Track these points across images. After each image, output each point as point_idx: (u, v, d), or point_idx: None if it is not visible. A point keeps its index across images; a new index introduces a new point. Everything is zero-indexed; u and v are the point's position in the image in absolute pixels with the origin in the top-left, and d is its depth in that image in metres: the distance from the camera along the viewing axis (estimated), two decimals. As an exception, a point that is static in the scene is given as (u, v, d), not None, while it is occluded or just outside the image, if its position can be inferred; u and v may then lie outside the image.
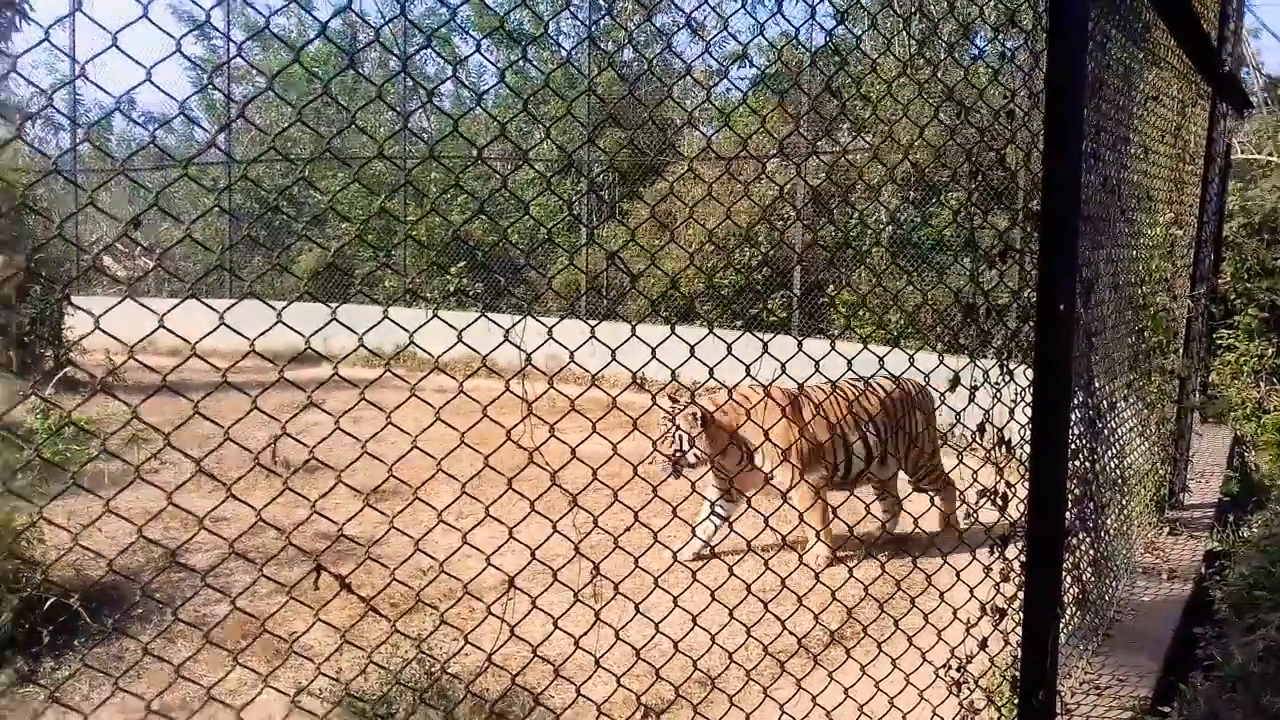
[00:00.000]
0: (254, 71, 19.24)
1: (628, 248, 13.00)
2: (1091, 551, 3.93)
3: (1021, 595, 2.85)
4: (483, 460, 2.45)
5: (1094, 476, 3.86)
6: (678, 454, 6.53)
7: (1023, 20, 4.77)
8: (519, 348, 2.43)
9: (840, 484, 6.84)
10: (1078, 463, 3.51)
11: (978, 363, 3.40)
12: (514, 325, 2.48)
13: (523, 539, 2.66)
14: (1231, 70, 6.46)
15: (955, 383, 3.34)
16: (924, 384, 7.00)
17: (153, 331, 2.01)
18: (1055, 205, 2.62)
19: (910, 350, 3.44)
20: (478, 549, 2.59)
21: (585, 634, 2.91)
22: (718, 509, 6.82)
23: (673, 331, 2.81)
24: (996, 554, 3.31)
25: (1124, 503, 4.77)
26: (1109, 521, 4.32)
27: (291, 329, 2.20)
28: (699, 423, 6.55)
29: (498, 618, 2.76)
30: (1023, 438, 2.84)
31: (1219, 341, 10.70)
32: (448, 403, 2.40)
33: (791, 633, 3.48)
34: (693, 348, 2.87)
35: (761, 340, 3.12)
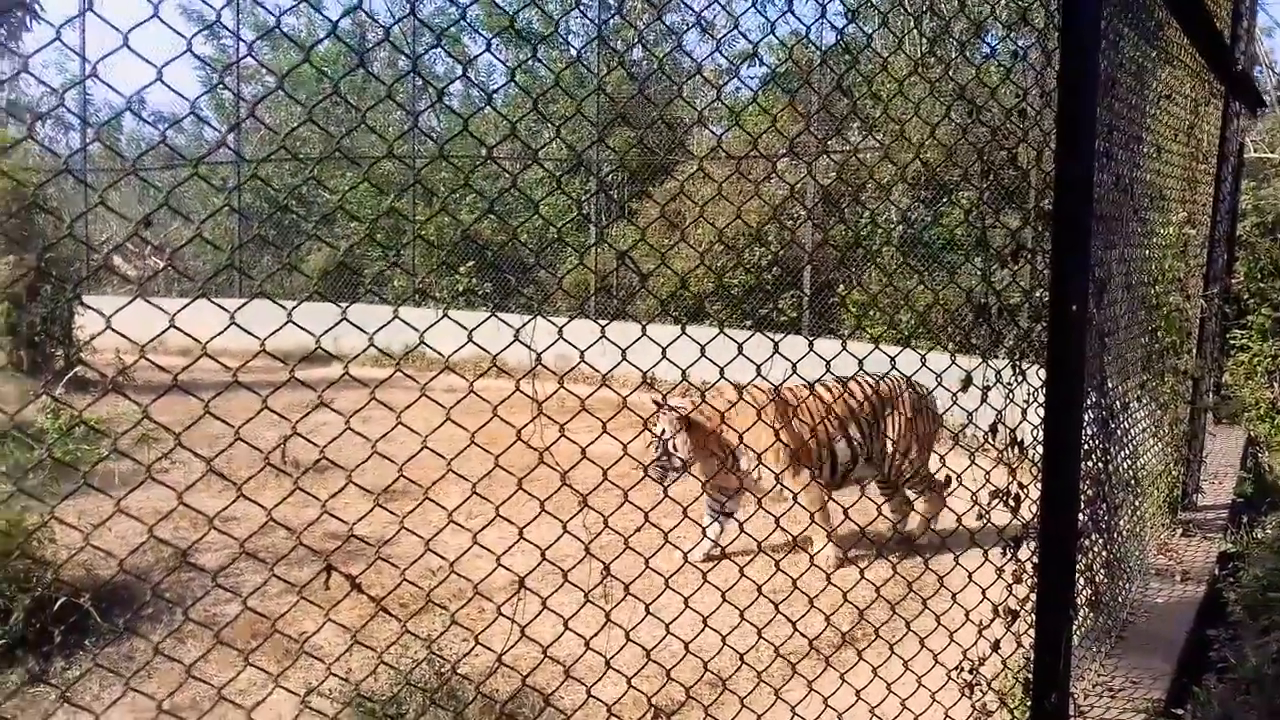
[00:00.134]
0: (263, 71, 19.29)
1: (637, 247, 13.00)
2: (1104, 553, 3.91)
3: (1034, 597, 2.83)
4: (493, 460, 2.44)
5: (1107, 477, 3.84)
6: (662, 458, 6.53)
7: (1035, 19, 4.75)
8: (529, 347, 2.42)
9: (826, 484, 6.82)
10: (1090, 463, 3.49)
11: (990, 363, 3.38)
12: (524, 325, 2.47)
13: (533, 539, 2.65)
14: (1245, 69, 6.42)
15: (967, 383, 3.32)
16: (910, 383, 6.97)
17: (164, 331, 2.00)
18: (1068, 204, 2.60)
19: (922, 350, 3.42)
20: (488, 549, 2.58)
21: (596, 635, 2.90)
22: (722, 508, 6.83)
23: (683, 331, 2.80)
24: (1009, 555, 3.29)
25: (1137, 504, 4.75)
26: (1122, 523, 4.30)
27: (302, 329, 2.19)
28: (681, 425, 6.54)
29: (508, 618, 2.76)
30: (1035, 438, 2.82)
31: (1232, 342, 10.65)
32: (458, 403, 2.39)
33: (803, 634, 3.47)
34: (703, 348, 2.86)
35: (772, 340, 3.10)
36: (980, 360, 3.40)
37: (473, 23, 18.35)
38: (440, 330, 2.48)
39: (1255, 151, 12.88)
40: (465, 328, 2.45)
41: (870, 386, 6.89)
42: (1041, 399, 2.72)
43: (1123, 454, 4.26)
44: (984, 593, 3.30)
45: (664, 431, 6.52)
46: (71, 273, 13.18)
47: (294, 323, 2.13)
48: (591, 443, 2.59)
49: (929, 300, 11.35)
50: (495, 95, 18.30)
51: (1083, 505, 3.21)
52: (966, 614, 3.31)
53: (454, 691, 4.06)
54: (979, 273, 10.68)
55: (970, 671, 3.36)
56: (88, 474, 1.94)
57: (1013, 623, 3.28)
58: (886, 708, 3.31)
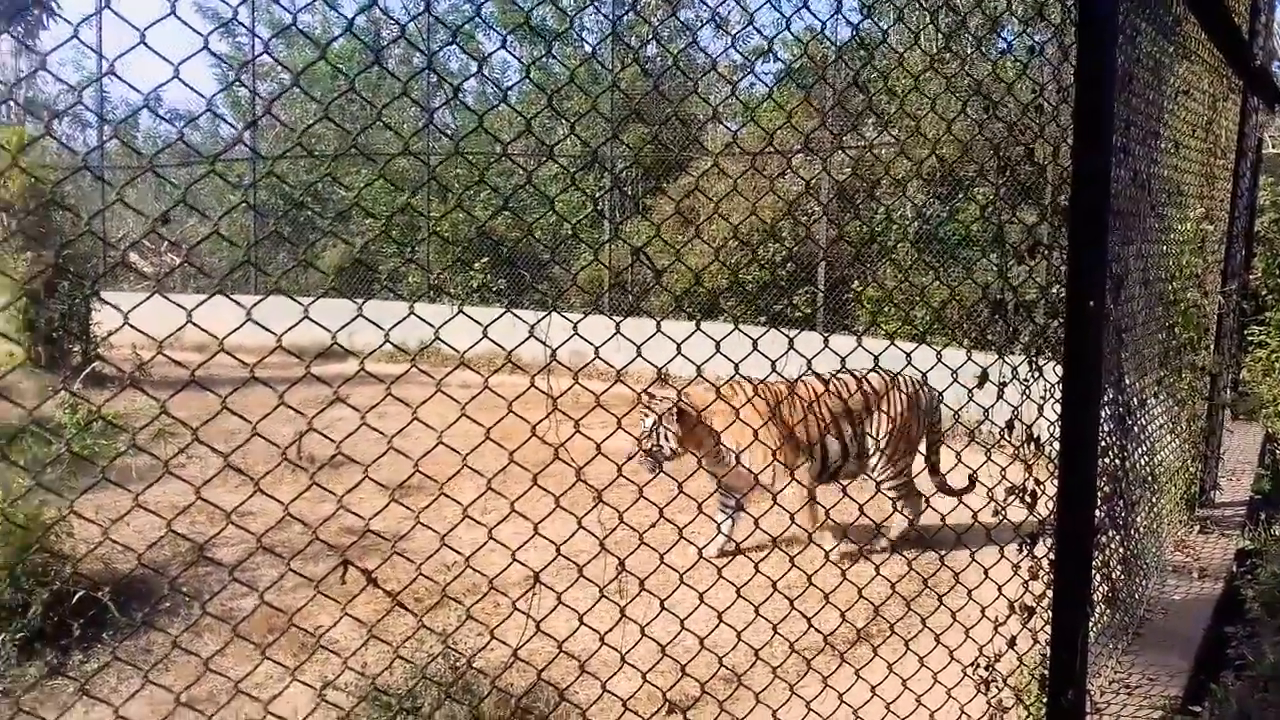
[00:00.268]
0: (279, 68, 19.34)
1: (651, 243, 12.99)
2: (1121, 549, 3.90)
3: (1050, 593, 2.82)
4: (508, 456, 2.44)
5: (1124, 474, 3.83)
6: (655, 448, 6.55)
7: (1051, 13, 4.72)
8: (544, 343, 2.43)
9: (817, 479, 6.81)
10: (1107, 460, 3.48)
11: (1006, 359, 3.37)
12: (539, 321, 2.48)
13: (548, 534, 2.66)
14: (1263, 65, 6.38)
15: (984, 379, 3.32)
16: (907, 380, 6.93)
17: (181, 327, 2.01)
18: (1085, 199, 2.59)
19: (937, 346, 3.41)
20: (503, 544, 2.59)
21: (610, 630, 2.90)
22: (737, 504, 6.83)
23: (698, 327, 2.80)
24: (1026, 551, 3.28)
25: (1154, 500, 4.73)
26: (1139, 519, 4.28)
27: (318, 324, 2.20)
28: (675, 416, 6.56)
29: (523, 613, 2.76)
30: (1052, 434, 2.81)
31: (1250, 338, 10.59)
32: (473, 398, 2.40)
33: (818, 630, 3.46)
34: (718, 344, 2.85)
35: (788, 336, 3.10)
36: (997, 356, 3.39)
37: (487, 19, 18.38)
38: (455, 326, 2.49)
39: (1274, 147, 12.79)
40: (480, 324, 2.45)
41: (864, 382, 6.86)
42: (1058, 395, 2.71)
43: (1140, 450, 4.25)
44: (1000, 589, 3.29)
45: (654, 421, 6.54)
46: (89, 269, 13.25)
47: (310, 319, 2.14)
48: (606, 438, 2.59)
49: (944, 296, 11.32)
50: (509, 92, 18.34)
51: (1100, 502, 3.20)
52: (982, 610, 3.30)
53: (469, 686, 4.08)
54: (995, 269, 10.64)
55: (986, 668, 3.35)
56: (106, 469, 1.95)
57: (1029, 619, 3.27)
58: (902, 704, 3.31)
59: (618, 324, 2.66)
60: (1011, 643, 3.33)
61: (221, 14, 20.84)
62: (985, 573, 3.33)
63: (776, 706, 3.23)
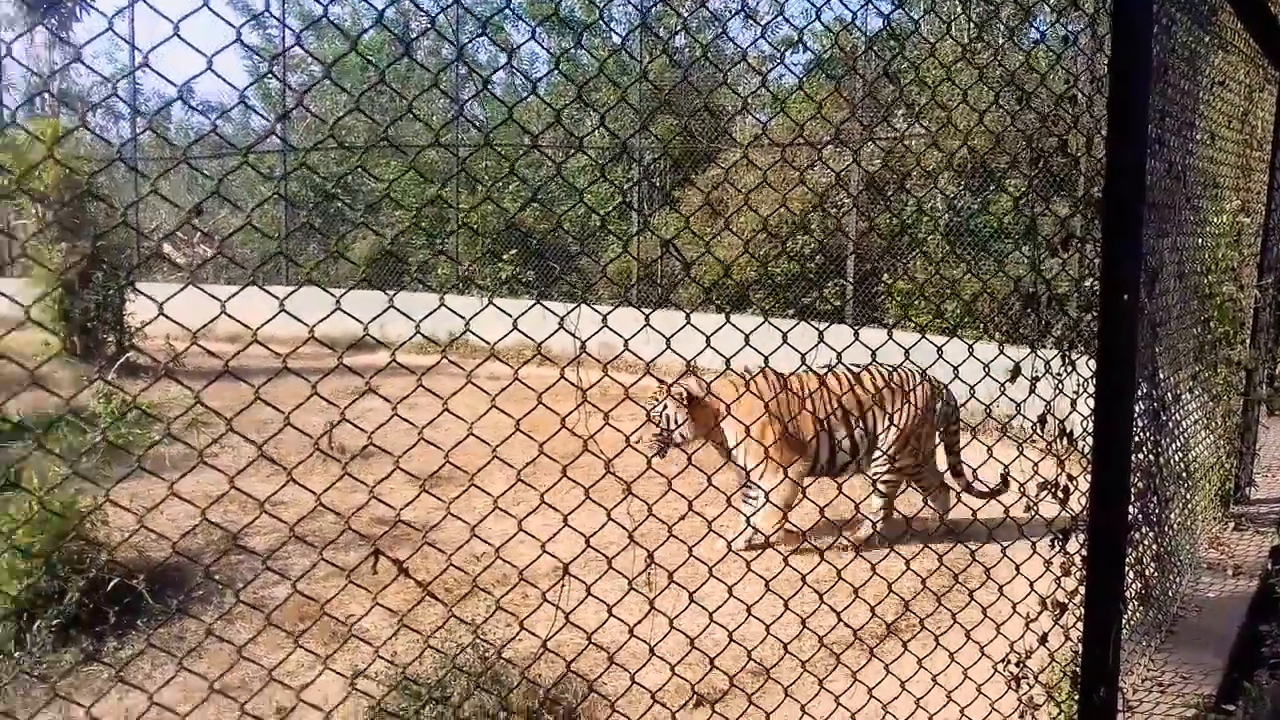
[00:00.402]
0: (309, 60, 19.45)
1: (680, 235, 12.97)
2: (1154, 546, 3.87)
3: (1082, 589, 2.80)
4: (537, 447, 2.45)
5: (1157, 470, 3.79)
6: (664, 432, 6.55)
7: (1085, 3, 4.67)
8: (574, 335, 2.43)
9: (825, 472, 6.80)
10: (1141, 456, 3.45)
11: (1039, 353, 3.35)
12: (569, 313, 2.48)
13: (577, 526, 2.66)
14: (1302, 54, 6.28)
15: (1016, 373, 3.29)
16: (924, 376, 6.88)
17: (215, 318, 2.03)
18: (1119, 191, 2.56)
19: (969, 340, 3.39)
20: (532, 536, 2.60)
21: (639, 622, 2.90)
22: (750, 494, 6.83)
23: (727, 320, 2.80)
24: (1058, 547, 3.26)
25: (1188, 497, 4.68)
26: (1173, 516, 4.24)
27: (351, 316, 2.22)
28: (686, 402, 6.55)
29: (553, 604, 2.77)
30: (1085, 429, 2.79)
31: (1286, 332, 10.44)
32: (503, 390, 2.40)
33: (847, 625, 3.45)
34: (747, 336, 2.85)
35: (817, 329, 3.09)
36: (1029, 350, 3.37)
37: (516, 10, 18.41)
38: (484, 318, 2.50)
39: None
40: (510, 315, 2.46)
41: (882, 378, 6.82)
42: (1091, 389, 2.69)
43: (1174, 446, 4.20)
44: (1032, 585, 3.27)
45: (666, 406, 6.55)
46: (122, 260, 13.37)
47: (343, 310, 2.15)
48: (636, 430, 2.59)
49: (975, 289, 11.24)
50: (538, 83, 18.35)
51: (1133, 498, 3.17)
52: (1014, 606, 3.28)
53: (498, 676, 4.09)
54: (1027, 261, 10.56)
55: (1017, 664, 3.33)
56: (141, 457, 1.97)
57: (1061, 615, 3.25)
58: (931, 700, 3.30)
59: (647, 316, 2.66)
60: (1043, 639, 3.31)
61: (251, 6, 20.97)
62: (1017, 568, 3.31)
63: (805, 701, 3.22)
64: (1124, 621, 3.15)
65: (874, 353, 3.11)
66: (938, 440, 7.01)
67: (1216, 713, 3.56)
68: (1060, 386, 3.28)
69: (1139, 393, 3.18)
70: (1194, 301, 4.65)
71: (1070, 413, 3.15)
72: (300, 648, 2.58)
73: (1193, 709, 3.55)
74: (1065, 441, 3.37)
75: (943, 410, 6.93)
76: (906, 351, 3.19)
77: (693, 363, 3.04)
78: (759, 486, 6.50)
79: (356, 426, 2.30)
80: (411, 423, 2.22)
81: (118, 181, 17.32)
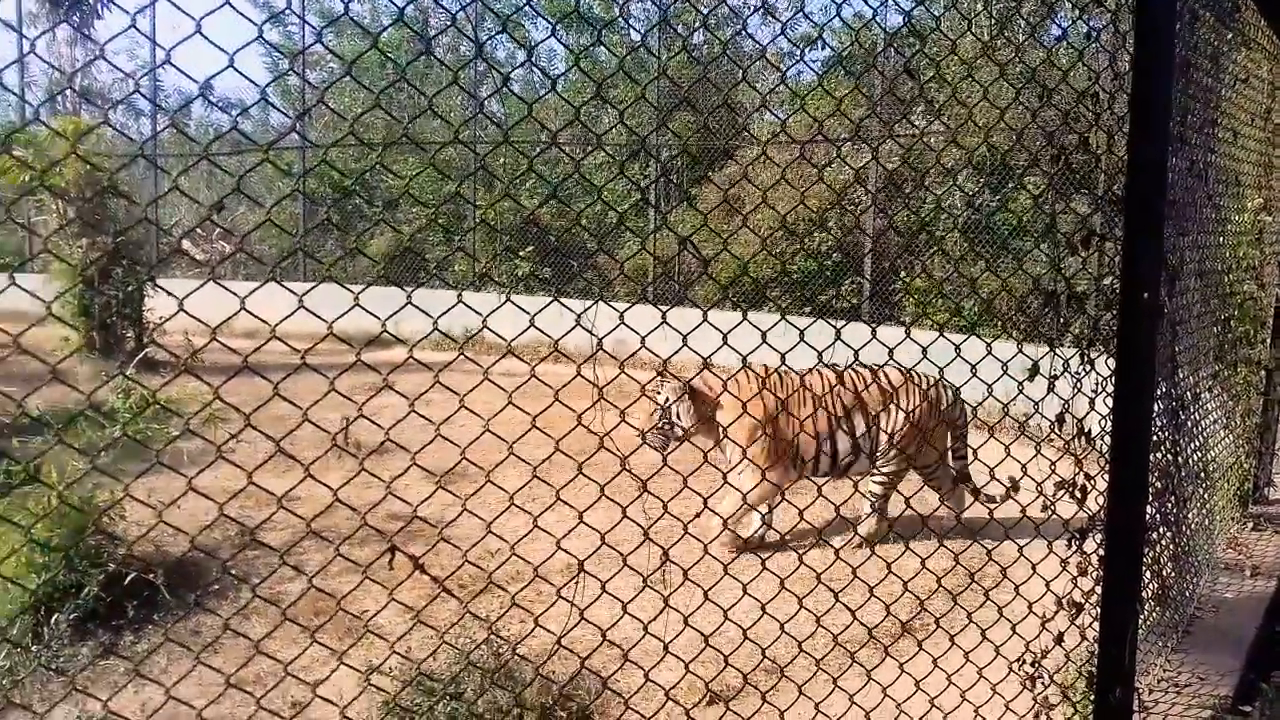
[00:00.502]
0: (327, 58, 19.50)
1: (697, 232, 12.96)
2: (1172, 546, 3.84)
3: (1099, 589, 2.79)
4: (553, 444, 2.45)
5: (1176, 469, 3.77)
6: (665, 425, 6.54)
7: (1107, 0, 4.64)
8: (591, 332, 2.43)
9: (828, 472, 6.78)
10: (1159, 455, 3.43)
11: (1058, 351, 3.33)
12: (586, 310, 2.48)
13: (592, 523, 2.66)
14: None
15: (1034, 371, 3.28)
16: (920, 380, 6.84)
17: (235, 314, 2.04)
18: (1140, 188, 2.54)
19: (987, 338, 3.38)
20: (547, 532, 2.60)
21: (654, 619, 2.90)
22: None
23: (745, 318, 2.79)
24: (1074, 547, 3.24)
25: (1206, 497, 4.65)
26: (1190, 516, 4.22)
27: (369, 312, 2.22)
28: (686, 396, 6.55)
29: (567, 601, 2.77)
30: (1103, 428, 2.77)
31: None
32: (519, 387, 2.41)
33: (862, 623, 3.45)
34: (764, 334, 2.84)
35: (835, 327, 3.08)
36: (1048, 349, 3.35)
37: (535, 7, 18.40)
38: (501, 314, 2.50)
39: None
40: (528, 312, 2.46)
41: (886, 377, 6.79)
42: (1110, 388, 2.67)
43: (1192, 446, 4.18)
44: (1048, 584, 3.26)
45: (666, 399, 6.53)
46: (141, 256, 13.43)
47: (361, 306, 2.15)
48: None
49: (994, 286, 11.19)
50: (550, 81, 18.36)
51: (1151, 498, 3.16)
52: (1029, 606, 3.27)
53: (512, 672, 4.10)
54: (1045, 259, 10.50)
55: (1032, 664, 3.32)
56: (160, 453, 1.98)
57: (1077, 615, 3.24)
58: (946, 699, 3.29)
59: (664, 313, 2.65)
60: (1058, 639, 3.30)
61: (272, 3, 21.04)
62: (1033, 567, 3.30)
63: (819, 699, 3.22)
64: (1140, 622, 3.14)
65: (891, 351, 3.10)
66: (948, 443, 6.99)
67: (1233, 714, 3.54)
68: (1079, 385, 3.26)
69: (1158, 392, 3.17)
70: (1214, 300, 4.62)
71: (1089, 412, 3.13)
72: (316, 643, 2.59)
73: (1209, 710, 3.53)
74: (1083, 440, 3.35)
75: (949, 412, 6.91)
76: (924, 350, 3.18)
77: (709, 360, 3.04)
78: (732, 486, 6.46)
79: (374, 423, 2.30)
80: (428, 419, 2.23)
81: (136, 178, 17.41)
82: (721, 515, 6.33)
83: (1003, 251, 11.66)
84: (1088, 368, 3.30)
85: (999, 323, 11.08)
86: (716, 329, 2.69)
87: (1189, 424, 4.07)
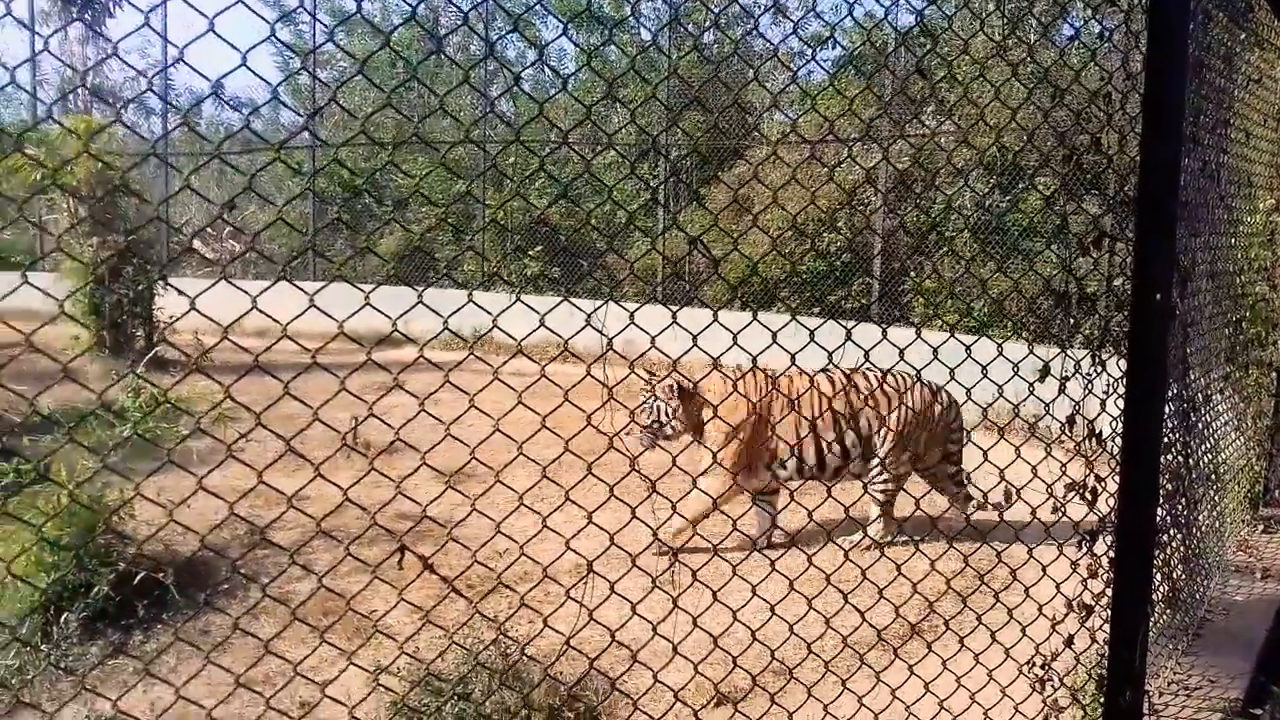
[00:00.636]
0: (337, 56, 19.53)
1: (706, 232, 12.95)
2: (1182, 549, 3.83)
3: (1109, 591, 2.78)
4: (563, 444, 2.45)
5: (1187, 471, 3.75)
6: (655, 424, 6.52)
7: (1120, -1, 4.62)
8: (601, 332, 2.43)
9: (813, 475, 6.77)
10: (1170, 457, 3.41)
11: (1069, 353, 3.32)
12: (596, 309, 2.48)
13: (601, 523, 2.66)
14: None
15: (1045, 372, 3.26)
16: (922, 381, 6.83)
17: (246, 313, 2.04)
18: (1153, 189, 2.53)
19: (998, 339, 3.37)
20: (557, 532, 2.60)
21: (663, 620, 2.90)
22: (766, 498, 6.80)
23: (755, 318, 2.79)
24: (1085, 549, 3.23)
25: (1217, 499, 4.63)
26: (1201, 518, 4.20)
27: (380, 311, 2.22)
28: (676, 394, 6.52)
29: (576, 601, 2.77)
30: (1114, 430, 2.76)
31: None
32: (529, 387, 2.40)
33: (871, 624, 3.44)
34: (774, 334, 2.84)
35: (845, 328, 3.08)
36: (1059, 350, 3.34)
37: (546, 6, 18.42)
38: (510, 314, 2.50)
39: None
40: (538, 312, 2.46)
41: (876, 381, 6.77)
42: (1121, 390, 2.66)
43: (1204, 448, 4.16)
44: (1058, 586, 3.25)
45: (656, 399, 6.51)
46: (151, 254, 13.46)
47: (372, 305, 2.15)
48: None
49: (1005, 287, 11.16)
50: (561, 80, 18.38)
51: (1162, 500, 3.14)
52: (1039, 608, 3.26)
53: (520, 673, 4.10)
54: (1057, 260, 10.47)
55: (1042, 666, 3.31)
56: (171, 451, 1.98)
57: (1087, 617, 3.22)
58: (955, 701, 3.28)
59: (674, 313, 2.65)
60: (1069, 641, 3.29)
61: (282, 1, 21.09)
62: (1044, 569, 3.29)
63: (828, 701, 3.21)
64: (1151, 624, 3.13)
65: (901, 352, 3.09)
66: (949, 447, 6.98)
67: (1243, 717, 3.53)
68: (1090, 386, 3.25)
69: (1169, 393, 3.15)
70: (1226, 301, 4.60)
71: (1100, 413, 3.12)
72: (325, 643, 2.59)
73: (1219, 713, 3.51)
74: (1094, 442, 3.34)
75: (944, 416, 6.89)
76: (935, 350, 3.17)
77: (718, 360, 3.03)
78: (699, 487, 6.39)
79: (384, 422, 2.31)
80: (438, 418, 2.23)
81: (148, 176, 17.44)
82: (686, 516, 6.23)
83: (1014, 252, 11.63)
84: (1099, 369, 3.29)
85: (1009, 324, 11.05)
86: (727, 329, 2.68)
87: (1200, 426, 4.06)
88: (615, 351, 2.56)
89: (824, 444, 6.70)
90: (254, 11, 1.88)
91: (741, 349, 2.87)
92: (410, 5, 2.23)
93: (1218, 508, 4.68)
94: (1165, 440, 3.11)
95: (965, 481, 6.94)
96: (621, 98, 15.20)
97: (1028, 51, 5.69)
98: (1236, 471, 5.27)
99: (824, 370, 6.65)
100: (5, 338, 1.86)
